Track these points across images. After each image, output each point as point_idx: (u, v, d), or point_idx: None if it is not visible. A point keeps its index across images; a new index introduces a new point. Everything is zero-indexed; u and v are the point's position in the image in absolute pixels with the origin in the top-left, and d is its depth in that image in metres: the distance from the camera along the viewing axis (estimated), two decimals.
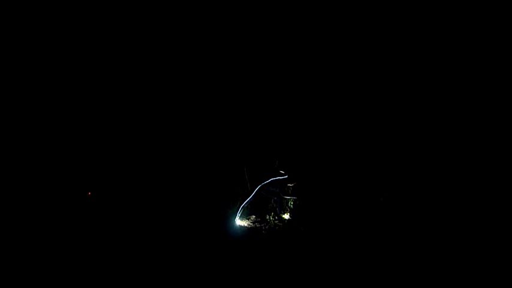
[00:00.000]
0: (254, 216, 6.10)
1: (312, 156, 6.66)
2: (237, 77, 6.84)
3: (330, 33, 6.52)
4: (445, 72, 6.15)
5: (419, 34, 6.14)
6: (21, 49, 6.27)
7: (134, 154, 7.17)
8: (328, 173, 6.41)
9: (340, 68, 6.56)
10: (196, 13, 6.68)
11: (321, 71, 6.66)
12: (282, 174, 6.06)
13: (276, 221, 5.75)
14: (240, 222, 5.85)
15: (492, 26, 5.79)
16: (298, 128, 6.64)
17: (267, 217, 5.91)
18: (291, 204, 5.96)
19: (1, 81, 6.25)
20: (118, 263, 4.26)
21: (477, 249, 4.25)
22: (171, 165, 7.20)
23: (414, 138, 6.15)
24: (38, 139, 6.60)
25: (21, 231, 5.24)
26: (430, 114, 6.18)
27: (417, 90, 6.26)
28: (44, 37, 6.33)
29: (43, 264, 4.21)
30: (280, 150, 6.61)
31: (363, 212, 5.66)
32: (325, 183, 6.16)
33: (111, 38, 6.65)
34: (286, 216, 5.91)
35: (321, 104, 6.63)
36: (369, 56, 6.47)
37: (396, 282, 3.72)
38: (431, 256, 4.14)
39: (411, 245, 4.50)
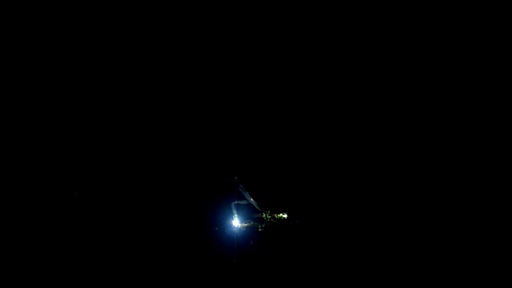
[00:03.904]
0: (251, 215, 6.14)
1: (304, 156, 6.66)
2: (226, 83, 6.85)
3: (326, 36, 6.54)
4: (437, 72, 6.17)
5: (419, 35, 6.17)
6: (21, 49, 6.29)
7: (129, 154, 7.17)
8: (323, 171, 6.42)
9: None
10: (196, 13, 6.69)
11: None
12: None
13: (273, 220, 5.78)
14: (236, 222, 5.88)
15: (492, 26, 5.81)
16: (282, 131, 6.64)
17: (264, 215, 5.93)
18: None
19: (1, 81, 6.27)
20: (113, 264, 4.24)
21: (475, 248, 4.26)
22: (165, 166, 7.21)
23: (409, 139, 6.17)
24: (34, 138, 6.61)
25: (18, 231, 5.23)
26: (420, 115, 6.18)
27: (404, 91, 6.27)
28: (44, 37, 6.34)
29: (39, 264, 4.20)
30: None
31: (359, 211, 5.68)
32: (320, 182, 6.18)
33: (110, 38, 6.67)
34: (285, 215, 5.94)
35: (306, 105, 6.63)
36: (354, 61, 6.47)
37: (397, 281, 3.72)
38: (430, 256, 4.15)
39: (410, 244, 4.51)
